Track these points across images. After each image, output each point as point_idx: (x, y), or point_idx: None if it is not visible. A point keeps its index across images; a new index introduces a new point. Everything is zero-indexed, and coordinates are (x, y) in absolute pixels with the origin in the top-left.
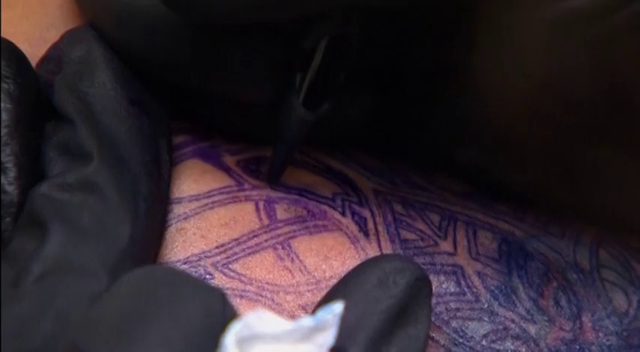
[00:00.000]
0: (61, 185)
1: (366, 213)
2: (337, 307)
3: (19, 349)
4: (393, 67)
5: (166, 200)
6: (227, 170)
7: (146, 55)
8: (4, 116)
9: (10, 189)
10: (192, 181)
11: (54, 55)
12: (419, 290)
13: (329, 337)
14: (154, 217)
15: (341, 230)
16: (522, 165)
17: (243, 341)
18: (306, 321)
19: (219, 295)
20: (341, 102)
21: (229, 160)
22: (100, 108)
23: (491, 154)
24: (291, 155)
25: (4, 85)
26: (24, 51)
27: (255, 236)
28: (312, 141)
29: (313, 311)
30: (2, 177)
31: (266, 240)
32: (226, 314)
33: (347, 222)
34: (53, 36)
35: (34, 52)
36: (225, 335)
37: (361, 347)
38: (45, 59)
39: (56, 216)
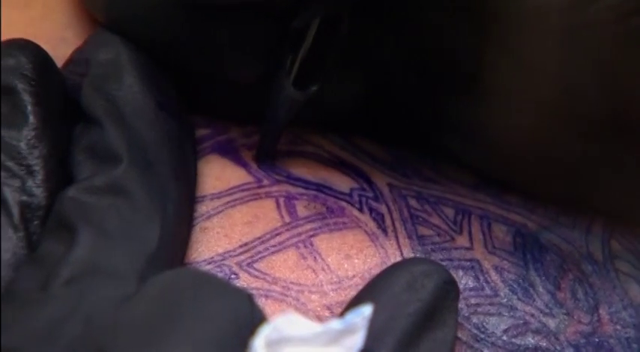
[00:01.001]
0: (89, 188)
1: (383, 209)
2: (366, 310)
3: None
4: (383, 52)
5: (193, 203)
6: (245, 165)
7: (139, 34)
8: (31, 119)
9: (38, 192)
10: (214, 178)
11: (80, 58)
12: (446, 293)
13: (358, 340)
14: (181, 220)
15: (360, 227)
16: (529, 166)
17: (272, 344)
18: (335, 324)
19: (247, 297)
20: (331, 83)
21: (246, 155)
22: (129, 111)
23: (497, 153)
24: (279, 134)
25: (31, 88)
26: (46, 51)
27: (278, 234)
28: (303, 122)
29: (341, 314)
30: (30, 180)
31: (288, 239)
32: (254, 316)
33: (365, 218)
34: (72, 35)
35: (55, 52)
36: (254, 339)
37: (389, 350)
38: (71, 62)
39: (84, 219)
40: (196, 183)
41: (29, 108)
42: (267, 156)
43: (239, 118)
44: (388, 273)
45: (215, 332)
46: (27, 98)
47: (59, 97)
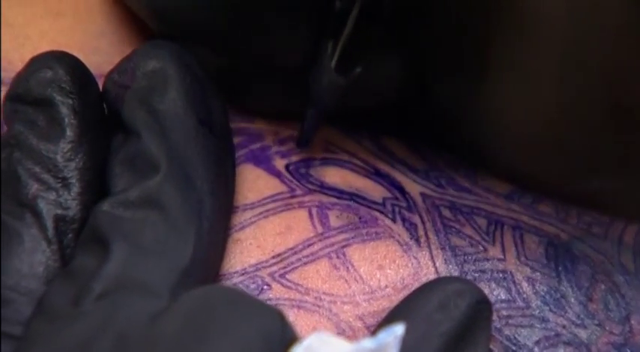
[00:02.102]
0: (123, 202)
1: (416, 219)
2: (398, 329)
3: None
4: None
5: (229, 219)
6: (278, 175)
7: (184, 22)
8: (68, 132)
9: (73, 205)
10: (247, 189)
11: (127, 68)
12: (480, 312)
13: None
14: (216, 236)
15: (392, 237)
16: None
17: None
18: (367, 343)
19: (278, 314)
20: (371, 66)
21: (279, 164)
22: (169, 124)
23: (509, 145)
24: (321, 120)
25: (68, 100)
26: None
27: (310, 244)
28: (344, 110)
29: (374, 332)
30: (66, 193)
31: (321, 249)
32: (285, 335)
33: (398, 228)
34: (105, 45)
35: (88, 61)
36: None
37: None
38: (116, 71)
39: (118, 233)
40: (233, 200)
41: (66, 120)
42: (307, 142)
43: (280, 112)
44: (421, 292)
45: (246, 350)
46: (64, 111)
47: (97, 109)
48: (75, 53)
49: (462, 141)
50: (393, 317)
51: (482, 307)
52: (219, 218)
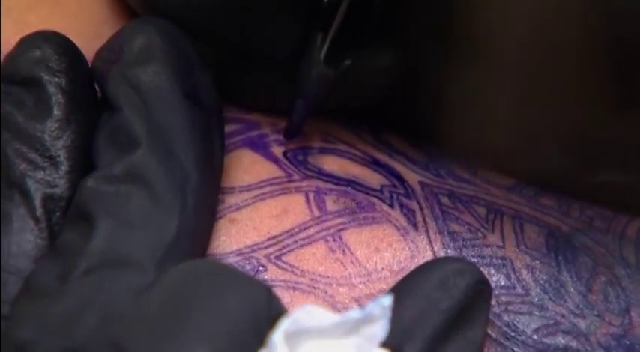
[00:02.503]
0: (107, 177)
1: (414, 206)
2: (386, 300)
3: (62, 346)
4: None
5: (217, 193)
6: (276, 160)
7: (176, 11)
8: (55, 110)
9: (61, 183)
10: (243, 172)
11: (114, 45)
12: (478, 292)
13: (378, 329)
14: (203, 210)
15: (390, 222)
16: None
17: (290, 337)
18: (354, 313)
19: (264, 289)
20: (361, 60)
21: (277, 150)
22: (153, 98)
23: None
24: (310, 112)
25: (55, 79)
26: (78, 46)
27: (307, 228)
28: (339, 106)
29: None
30: (54, 172)
31: (317, 232)
32: (271, 309)
33: (395, 214)
34: (106, 32)
35: (89, 47)
36: (273, 332)
37: (418, 345)
38: (105, 48)
39: (102, 209)
40: (221, 175)
41: (54, 99)
42: (295, 133)
43: (272, 108)
44: (420, 271)
45: (231, 324)
46: (52, 89)
47: (86, 89)
48: (76, 39)
49: (458, 134)
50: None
51: (481, 287)
52: (206, 191)
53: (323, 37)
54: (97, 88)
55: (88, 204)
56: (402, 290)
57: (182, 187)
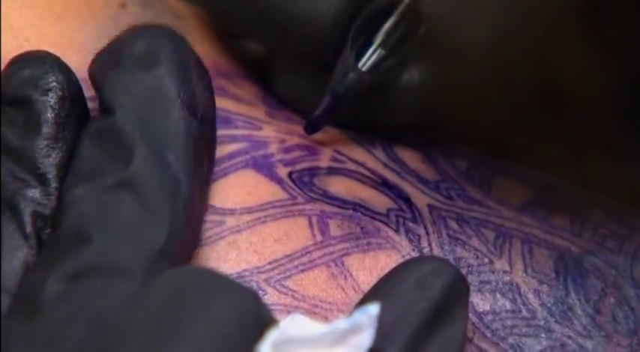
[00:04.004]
0: (97, 183)
1: (421, 231)
2: (373, 308)
3: None
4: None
5: (206, 202)
6: (280, 182)
7: (210, 6)
8: (44, 129)
9: (51, 200)
10: (246, 193)
11: (114, 49)
12: (456, 290)
13: (365, 339)
14: (192, 218)
15: (394, 248)
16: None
17: (278, 346)
18: (341, 323)
19: (252, 294)
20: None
21: (282, 171)
22: (149, 103)
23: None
24: (334, 112)
25: (44, 97)
26: (77, 61)
27: (308, 252)
28: (365, 121)
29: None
30: (43, 190)
31: (319, 257)
32: (260, 314)
33: (400, 239)
34: None
35: (88, 63)
36: (260, 343)
37: (398, 349)
38: (104, 52)
39: (92, 215)
40: (210, 186)
41: (42, 117)
42: (314, 129)
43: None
44: (397, 272)
45: (219, 332)
46: (40, 107)
47: (76, 106)
48: (75, 56)
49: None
50: (369, 298)
51: (458, 284)
52: (195, 199)
53: (364, 42)
54: (95, 93)
55: (78, 210)
56: (379, 292)
57: (172, 193)
